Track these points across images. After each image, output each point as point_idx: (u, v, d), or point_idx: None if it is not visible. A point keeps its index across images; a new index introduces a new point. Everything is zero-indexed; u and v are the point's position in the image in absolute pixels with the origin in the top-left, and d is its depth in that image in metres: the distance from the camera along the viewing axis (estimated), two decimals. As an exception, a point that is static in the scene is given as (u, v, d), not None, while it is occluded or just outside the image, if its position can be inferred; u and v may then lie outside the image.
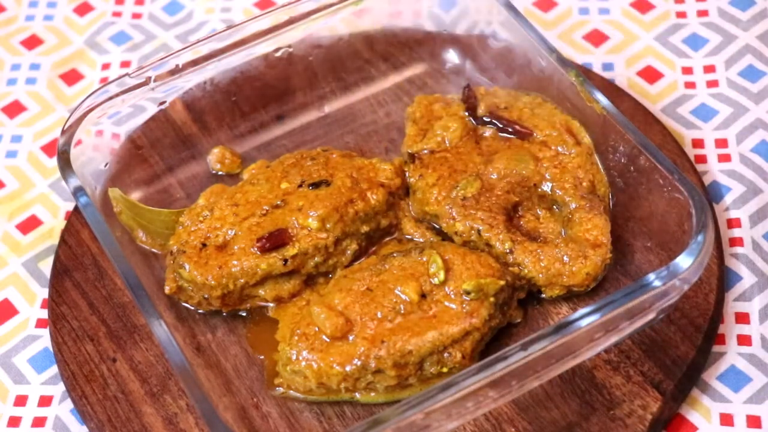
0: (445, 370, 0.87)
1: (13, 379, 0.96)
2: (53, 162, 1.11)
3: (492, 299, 0.88)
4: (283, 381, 0.89)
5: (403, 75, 1.12)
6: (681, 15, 1.19)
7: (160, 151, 1.06)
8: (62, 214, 1.08)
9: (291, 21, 1.02)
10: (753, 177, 1.04)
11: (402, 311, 0.88)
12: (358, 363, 0.85)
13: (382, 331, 0.86)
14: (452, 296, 0.88)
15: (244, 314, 0.95)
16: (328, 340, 0.87)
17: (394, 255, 0.92)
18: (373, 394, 0.88)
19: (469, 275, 0.89)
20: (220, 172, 1.05)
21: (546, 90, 1.01)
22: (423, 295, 0.88)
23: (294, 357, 0.87)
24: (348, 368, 0.85)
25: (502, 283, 0.89)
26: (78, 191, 0.91)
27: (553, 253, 0.91)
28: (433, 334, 0.86)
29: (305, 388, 0.88)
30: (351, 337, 0.87)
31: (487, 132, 1.00)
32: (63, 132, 0.95)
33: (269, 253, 0.92)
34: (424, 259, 0.90)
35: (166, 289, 0.93)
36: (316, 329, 0.88)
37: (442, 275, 0.89)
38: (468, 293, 0.88)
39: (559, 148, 0.97)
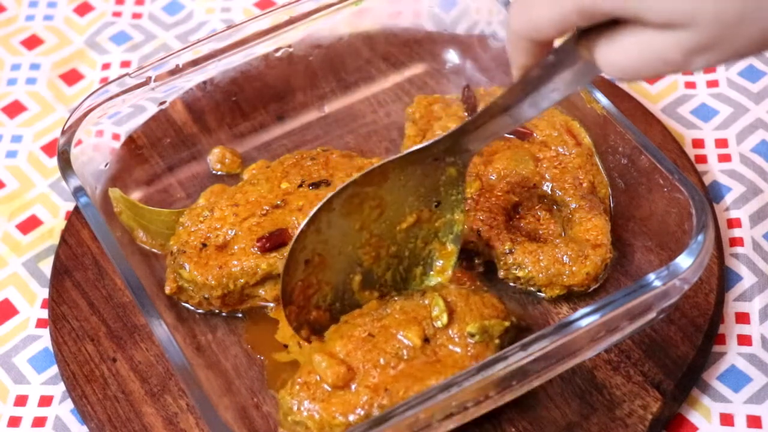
0: None
1: (13, 379, 0.96)
2: (53, 162, 1.11)
3: (497, 341, 0.86)
4: (285, 431, 0.86)
5: (403, 75, 1.12)
6: (681, 15, 1.19)
7: (160, 151, 1.06)
8: (62, 214, 1.08)
9: (291, 21, 1.02)
10: (753, 177, 1.04)
11: (405, 357, 0.84)
12: (361, 413, 0.82)
13: (385, 379, 0.83)
14: (456, 339, 0.85)
15: (243, 314, 0.95)
16: (329, 389, 0.84)
17: (395, 298, 0.89)
18: None
19: (473, 317, 0.86)
20: (220, 172, 1.05)
21: (546, 90, 1.01)
22: (426, 339, 0.85)
23: (295, 407, 0.84)
24: (351, 418, 0.82)
25: (507, 324, 0.87)
26: (78, 191, 0.91)
27: (553, 253, 0.91)
28: (437, 380, 0.82)
29: None
30: (353, 386, 0.83)
31: (487, 132, 1.00)
32: (63, 132, 0.95)
33: (269, 253, 0.92)
34: (426, 302, 0.87)
35: (167, 289, 0.93)
36: (318, 378, 0.84)
37: (445, 318, 0.86)
38: (472, 335, 0.85)
39: (559, 149, 0.97)
